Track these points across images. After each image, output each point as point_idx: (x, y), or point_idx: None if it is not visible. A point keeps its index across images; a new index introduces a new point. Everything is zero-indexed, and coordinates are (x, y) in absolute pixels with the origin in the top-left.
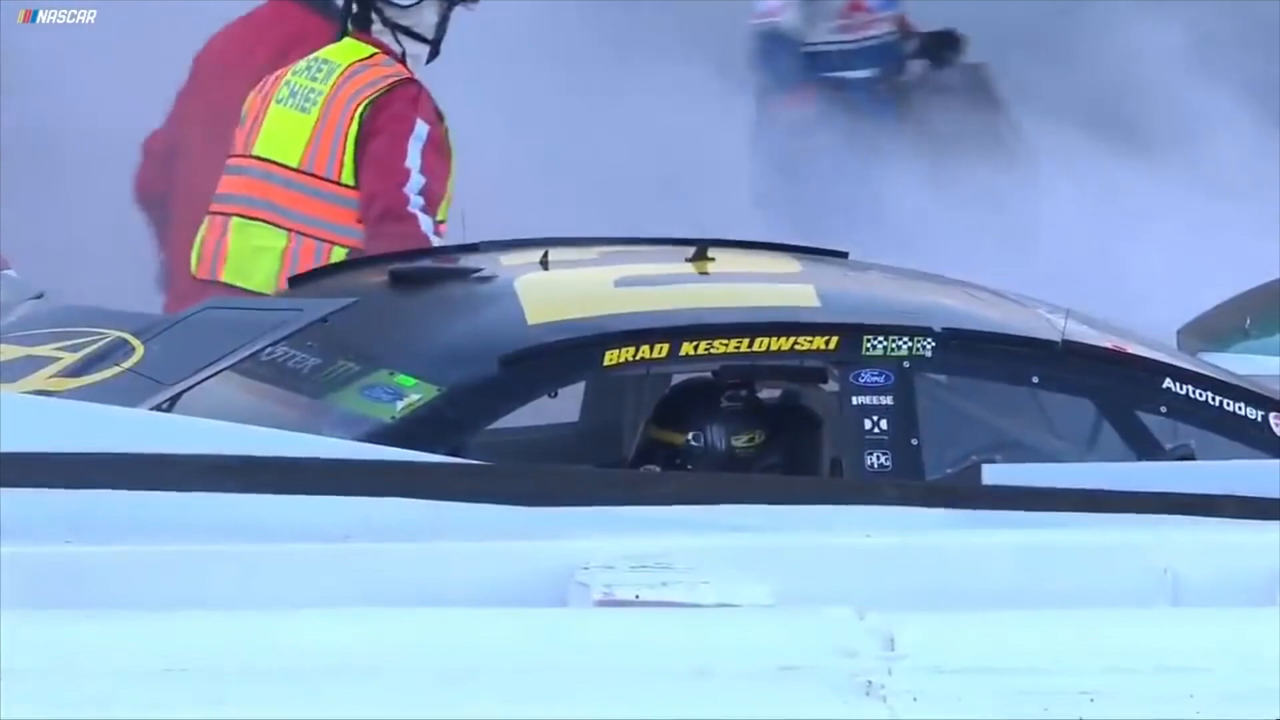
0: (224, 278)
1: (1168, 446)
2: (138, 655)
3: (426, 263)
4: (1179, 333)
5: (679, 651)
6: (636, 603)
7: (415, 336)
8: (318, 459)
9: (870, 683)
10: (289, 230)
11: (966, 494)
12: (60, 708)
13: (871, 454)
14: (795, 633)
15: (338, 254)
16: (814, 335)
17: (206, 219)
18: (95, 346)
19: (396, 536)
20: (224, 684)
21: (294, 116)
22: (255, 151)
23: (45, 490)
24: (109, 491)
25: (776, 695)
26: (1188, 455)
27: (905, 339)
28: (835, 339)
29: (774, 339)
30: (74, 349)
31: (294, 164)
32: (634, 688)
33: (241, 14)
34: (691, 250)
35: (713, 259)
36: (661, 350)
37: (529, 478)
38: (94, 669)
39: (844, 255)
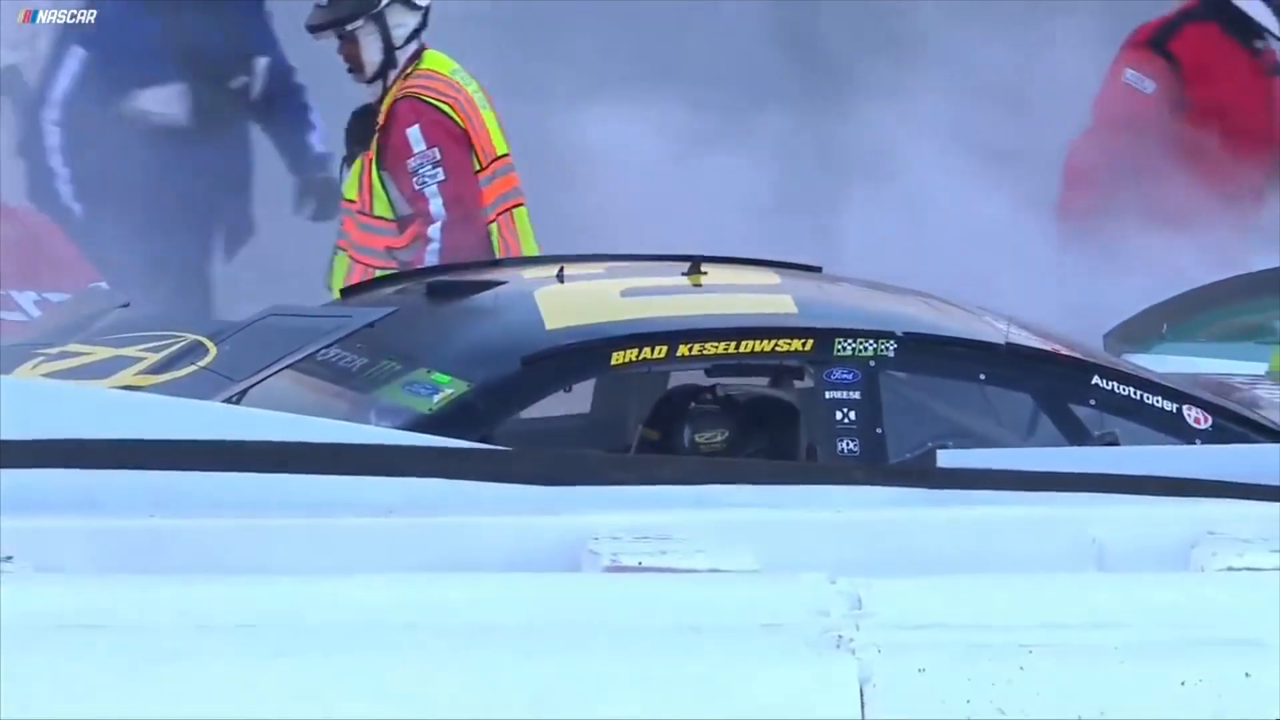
0: None
1: (1095, 434)
2: (212, 613)
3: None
4: (1105, 336)
5: (676, 610)
6: (639, 569)
7: (449, 340)
8: (365, 444)
9: (840, 637)
10: None
11: (924, 475)
12: (146, 658)
13: (842, 441)
14: (776, 595)
15: None
16: (792, 338)
17: None
18: (174, 348)
19: (433, 512)
20: (286, 637)
21: None
22: None
23: (132, 472)
24: (187, 473)
25: (759, 648)
26: (1113, 441)
27: (871, 341)
28: (811, 341)
29: (758, 342)
30: (156, 350)
31: None
32: (637, 641)
33: None
34: (687, 265)
35: (705, 272)
36: (661, 351)
37: (547, 461)
38: (174, 624)
39: (818, 269)
